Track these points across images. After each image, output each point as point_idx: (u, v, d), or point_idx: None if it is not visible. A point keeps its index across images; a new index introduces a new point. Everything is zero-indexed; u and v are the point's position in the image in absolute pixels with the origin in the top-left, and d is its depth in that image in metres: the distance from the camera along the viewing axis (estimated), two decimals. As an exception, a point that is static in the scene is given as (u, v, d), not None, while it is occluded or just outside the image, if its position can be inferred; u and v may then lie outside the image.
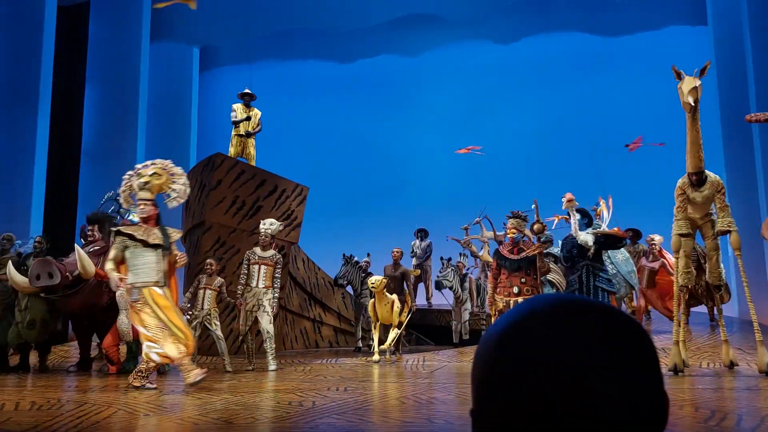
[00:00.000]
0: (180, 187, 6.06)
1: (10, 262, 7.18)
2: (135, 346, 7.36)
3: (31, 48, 12.54)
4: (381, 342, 8.20)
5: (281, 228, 8.18)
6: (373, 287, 8.04)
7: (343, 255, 10.00)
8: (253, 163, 9.78)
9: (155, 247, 5.71)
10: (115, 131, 14.02)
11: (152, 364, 5.70)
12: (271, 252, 7.79)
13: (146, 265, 5.67)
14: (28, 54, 12.49)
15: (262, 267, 7.65)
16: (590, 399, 0.65)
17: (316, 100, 15.99)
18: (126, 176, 6.10)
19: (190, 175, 10.02)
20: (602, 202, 7.33)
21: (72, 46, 13.98)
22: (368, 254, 10.41)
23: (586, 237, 6.75)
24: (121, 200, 6.21)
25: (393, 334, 8.06)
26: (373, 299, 8.29)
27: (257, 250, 7.77)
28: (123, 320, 6.90)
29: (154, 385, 5.67)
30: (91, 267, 6.80)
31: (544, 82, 15.14)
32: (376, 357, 8.00)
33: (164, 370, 7.13)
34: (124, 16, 14.62)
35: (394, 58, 16.05)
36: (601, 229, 6.88)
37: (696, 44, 13.94)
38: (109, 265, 5.77)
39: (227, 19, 15.50)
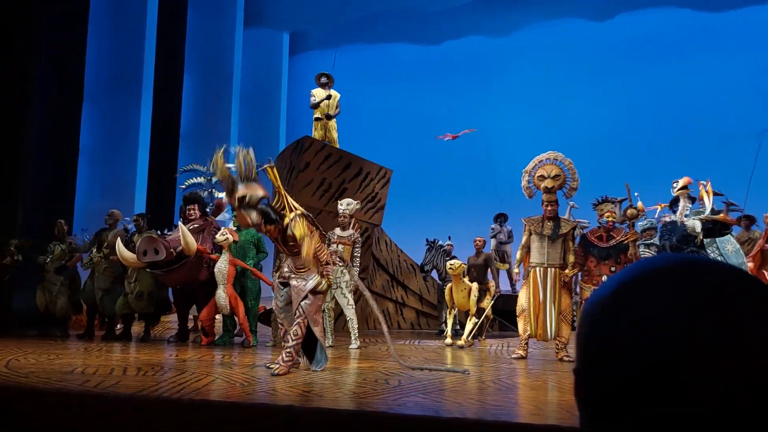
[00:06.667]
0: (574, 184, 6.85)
1: (119, 238, 7.72)
2: (230, 321, 7.74)
3: (134, 38, 13.30)
4: (455, 327, 8.23)
5: (358, 206, 8.31)
6: (451, 270, 8.03)
7: (427, 240, 9.95)
8: (336, 147, 9.92)
9: (542, 236, 6.70)
10: (210, 116, 14.71)
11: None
12: (349, 231, 7.95)
13: (536, 250, 6.69)
14: (132, 44, 13.27)
15: (340, 246, 7.84)
16: (705, 369, 0.58)
17: (403, 83, 16.02)
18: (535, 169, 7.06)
19: (279, 158, 10.41)
20: (701, 188, 6.97)
21: (171, 35, 14.68)
22: (449, 237, 10.39)
23: (693, 223, 6.45)
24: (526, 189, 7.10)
25: (470, 324, 7.98)
26: (450, 284, 8.29)
27: (337, 230, 7.97)
28: (221, 294, 7.30)
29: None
30: (194, 244, 7.24)
31: (641, 60, 14.46)
32: (448, 340, 8.03)
33: (252, 344, 7.46)
34: (219, 3, 15.20)
35: (481, 39, 15.81)
36: (707, 215, 6.54)
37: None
38: (519, 253, 6.88)
39: (316, 3, 15.79)
